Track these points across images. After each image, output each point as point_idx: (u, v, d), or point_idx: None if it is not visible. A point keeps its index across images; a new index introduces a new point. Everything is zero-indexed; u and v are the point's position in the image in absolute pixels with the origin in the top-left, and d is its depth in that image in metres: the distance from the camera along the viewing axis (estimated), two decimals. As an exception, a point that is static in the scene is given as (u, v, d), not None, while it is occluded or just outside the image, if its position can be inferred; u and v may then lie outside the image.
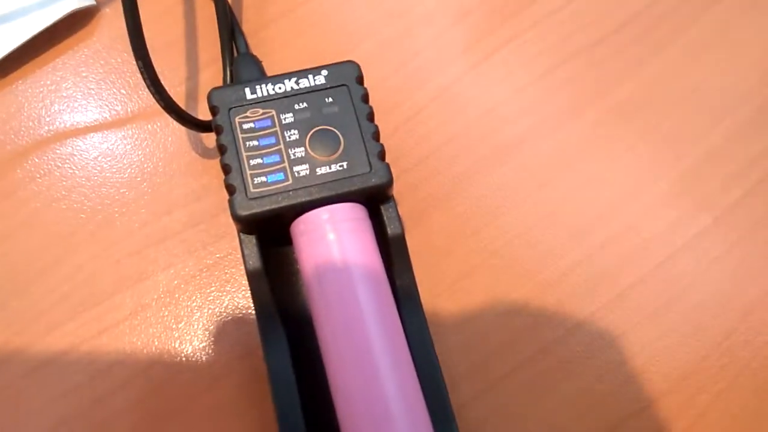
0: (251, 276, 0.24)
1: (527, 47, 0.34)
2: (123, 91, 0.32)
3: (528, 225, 0.30)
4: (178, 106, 0.26)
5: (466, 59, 0.33)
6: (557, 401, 0.28)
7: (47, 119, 0.31)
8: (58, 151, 0.31)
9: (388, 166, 0.24)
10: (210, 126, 0.26)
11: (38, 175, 0.30)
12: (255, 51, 0.32)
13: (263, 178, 0.23)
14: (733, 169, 0.32)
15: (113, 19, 0.33)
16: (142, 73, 0.24)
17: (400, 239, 0.25)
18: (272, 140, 0.24)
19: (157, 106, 0.26)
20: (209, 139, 0.31)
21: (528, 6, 0.34)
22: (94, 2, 0.33)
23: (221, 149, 0.24)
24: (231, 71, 0.29)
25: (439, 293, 0.29)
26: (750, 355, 0.29)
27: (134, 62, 0.24)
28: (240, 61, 0.28)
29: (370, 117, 0.24)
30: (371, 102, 0.31)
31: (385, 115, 0.32)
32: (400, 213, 0.30)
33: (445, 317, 0.29)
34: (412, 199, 0.31)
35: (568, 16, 0.34)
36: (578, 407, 0.28)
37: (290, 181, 0.23)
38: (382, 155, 0.24)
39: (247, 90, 0.24)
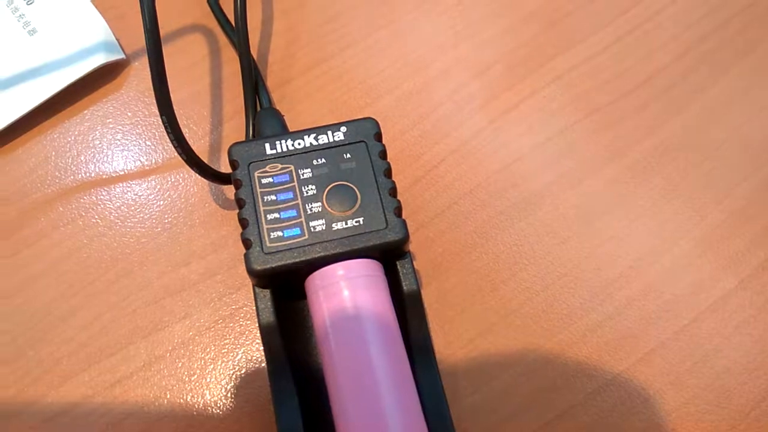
0: (264, 330, 0.24)
1: (546, 103, 0.34)
2: (148, 142, 0.33)
3: (547, 283, 0.30)
4: (199, 159, 0.26)
5: (485, 114, 0.33)
6: (577, 468, 0.27)
7: (73, 168, 0.32)
8: (82, 201, 0.31)
9: (404, 222, 0.24)
10: (230, 179, 0.26)
11: (62, 224, 0.31)
12: (278, 104, 0.33)
13: (280, 233, 0.23)
14: (757, 229, 0.31)
15: (141, 72, 0.34)
16: (165, 128, 0.24)
17: (416, 295, 0.25)
18: (290, 195, 0.24)
19: (180, 158, 0.26)
20: (229, 190, 0.31)
21: (547, 62, 0.35)
22: (124, 56, 0.34)
23: (239, 203, 0.24)
24: (253, 125, 0.29)
25: (455, 351, 0.29)
26: (780, 424, 0.28)
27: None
28: (262, 115, 0.29)
29: (388, 173, 0.24)
30: (390, 154, 0.31)
31: (404, 168, 0.32)
32: (416, 266, 0.30)
33: (460, 377, 0.28)
34: (430, 253, 0.30)
35: (588, 72, 0.34)
36: (599, 475, 0.27)
37: (306, 236, 0.23)
38: (398, 211, 0.24)
39: (267, 145, 0.24)
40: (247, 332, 0.29)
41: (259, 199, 0.24)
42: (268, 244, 0.23)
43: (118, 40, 0.34)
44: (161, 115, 0.24)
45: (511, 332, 0.29)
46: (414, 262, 0.30)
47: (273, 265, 0.23)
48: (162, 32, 0.34)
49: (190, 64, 0.34)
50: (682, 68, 0.35)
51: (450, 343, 0.29)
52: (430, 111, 0.34)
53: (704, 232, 0.31)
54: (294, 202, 0.24)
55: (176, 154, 0.26)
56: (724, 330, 0.29)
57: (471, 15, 0.36)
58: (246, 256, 0.23)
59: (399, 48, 0.35)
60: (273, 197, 0.24)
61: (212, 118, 0.33)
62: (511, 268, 0.30)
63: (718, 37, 0.36)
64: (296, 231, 0.23)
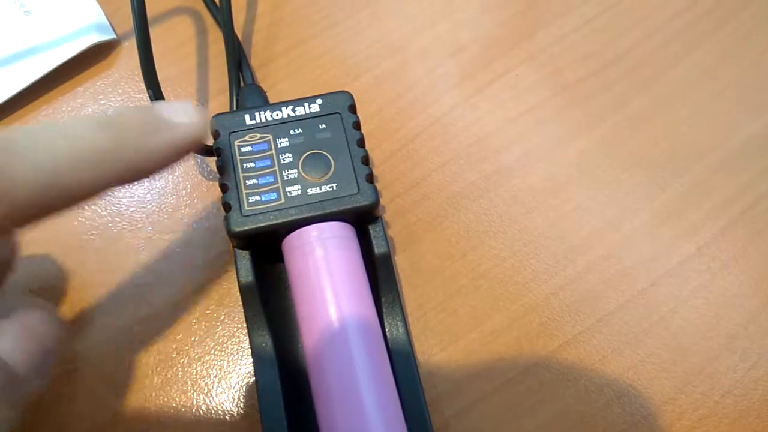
0: (244, 289, 0.26)
1: (518, 81, 0.35)
2: (138, 117, 0.34)
3: (514, 249, 0.32)
4: None
5: (460, 91, 0.35)
6: (537, 422, 0.29)
7: (67, 142, 0.34)
8: (75, 172, 0.33)
9: (375, 188, 0.26)
10: (212, 150, 0.28)
11: (56, 194, 0.32)
12: (262, 82, 0.35)
13: (258, 197, 0.25)
14: (716, 200, 0.33)
15: (131, 51, 0.36)
16: (151, 100, 0.26)
17: (386, 257, 0.26)
18: (268, 162, 0.25)
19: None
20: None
21: (520, 42, 0.36)
22: (115, 36, 0.35)
23: (220, 170, 0.25)
24: (237, 100, 0.31)
25: (426, 312, 0.30)
26: (732, 382, 0.29)
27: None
28: (245, 91, 0.31)
29: (360, 143, 0.26)
30: (368, 130, 0.32)
31: (381, 143, 0.34)
32: (391, 235, 0.31)
33: (430, 336, 0.30)
34: (404, 221, 0.32)
35: (558, 52, 0.36)
36: (558, 429, 0.28)
37: (283, 201, 0.25)
38: (369, 178, 0.26)
39: (247, 116, 0.26)
40: (229, 294, 0.30)
41: (239, 166, 0.25)
42: (246, 208, 0.25)
43: (109, 20, 0.35)
44: (147, 90, 0.25)
45: (478, 295, 0.31)
46: (389, 231, 0.32)
47: (251, 227, 0.25)
48: (150, 13, 0.35)
49: (179, 44, 0.36)
50: (650, 48, 0.36)
51: (421, 305, 0.31)
52: (407, 89, 0.35)
53: (664, 203, 0.33)
54: (271, 169, 0.25)
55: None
56: (680, 294, 0.31)
57: (447, -3, 0.38)
58: (226, 218, 0.25)
59: (378, 29, 0.37)
60: (252, 164, 0.25)
61: (200, 95, 0.35)
62: (480, 236, 0.32)
63: (685, 18, 0.37)
64: (273, 195, 0.25)
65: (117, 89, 0.35)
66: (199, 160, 0.33)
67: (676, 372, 0.30)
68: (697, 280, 0.31)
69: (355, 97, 0.27)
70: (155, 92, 0.26)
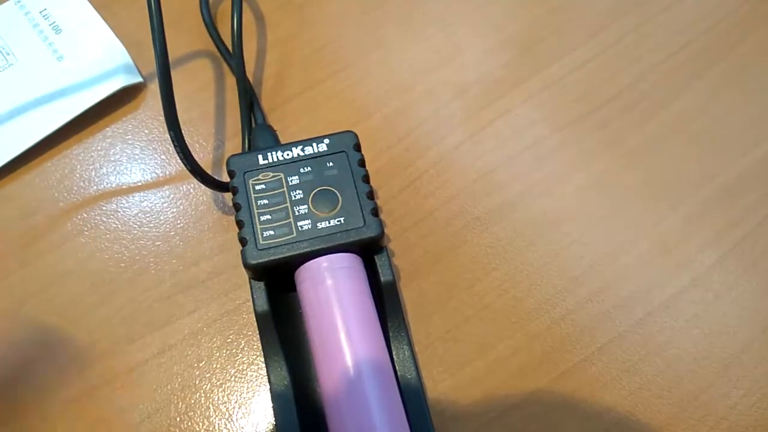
0: (259, 318, 0.28)
1: (519, 120, 0.37)
2: (162, 156, 0.37)
3: (516, 281, 0.33)
4: (201, 169, 0.30)
5: (464, 130, 0.37)
6: (539, 445, 0.30)
7: (96, 180, 0.36)
8: (104, 208, 0.35)
9: (380, 220, 0.27)
10: (228, 186, 0.30)
11: (86, 229, 0.35)
12: (276, 123, 0.37)
13: (271, 232, 0.27)
14: (710, 233, 0.34)
15: (157, 93, 0.38)
16: (173, 142, 0.28)
17: (392, 285, 0.28)
18: (280, 199, 0.28)
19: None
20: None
21: (521, 83, 0.38)
22: (142, 79, 0.38)
23: (236, 207, 0.28)
24: (249, 140, 0.33)
25: (433, 342, 0.32)
26: (726, 408, 0.31)
27: None
28: (257, 130, 0.33)
29: (365, 179, 0.28)
30: (377, 167, 0.35)
31: (390, 179, 0.36)
32: (399, 266, 0.33)
33: (437, 363, 0.31)
34: (412, 254, 0.34)
35: (557, 92, 0.38)
36: (559, 452, 0.30)
37: (294, 234, 0.27)
38: (375, 211, 0.28)
39: (260, 156, 0.28)
40: (249, 324, 0.32)
41: (253, 203, 0.27)
42: (261, 242, 0.27)
43: (136, 64, 0.38)
44: (169, 131, 0.28)
45: (483, 325, 0.32)
46: (397, 262, 0.33)
47: (265, 260, 0.27)
48: (172, 59, 0.38)
49: (199, 88, 0.38)
50: (644, 88, 0.38)
51: (429, 335, 0.32)
52: (415, 127, 0.37)
53: (660, 236, 0.34)
54: (283, 205, 0.27)
55: (186, 166, 0.30)
56: (675, 324, 0.32)
57: (453, 40, 0.40)
58: (242, 252, 0.27)
59: (387, 71, 0.39)
60: (265, 201, 0.27)
61: (217, 135, 0.37)
62: (484, 268, 0.34)
63: (676, 59, 0.39)
64: (286, 230, 0.27)
65: (143, 129, 0.37)
66: (220, 197, 0.35)
67: (671, 399, 0.31)
68: (691, 311, 0.32)
69: (365, 136, 0.29)
70: (175, 133, 0.29)
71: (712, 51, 0.39)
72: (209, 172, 0.35)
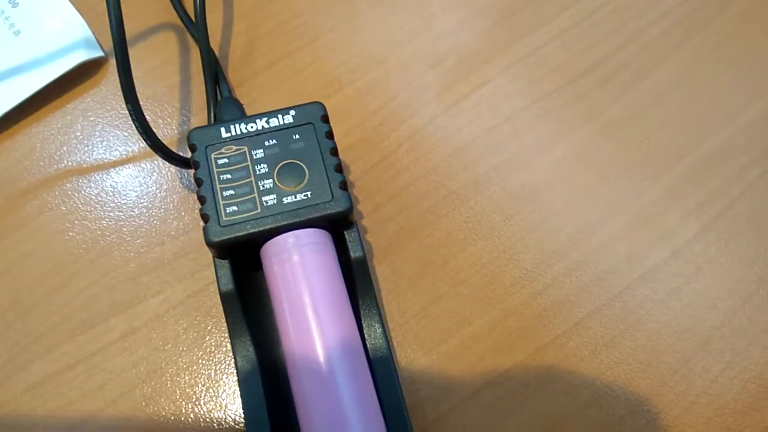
0: (224, 297, 0.27)
1: (495, 91, 0.36)
2: (125, 134, 0.35)
3: (493, 256, 0.32)
4: (163, 144, 0.29)
5: (440, 102, 0.36)
6: (517, 424, 0.29)
7: (57, 158, 0.35)
8: (65, 188, 0.34)
9: (348, 194, 0.26)
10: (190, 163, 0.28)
11: (46, 209, 0.33)
12: (244, 97, 0.36)
13: (235, 208, 0.26)
14: (691, 204, 0.33)
15: (119, 69, 0.37)
16: (131, 114, 0.27)
17: (362, 262, 0.27)
18: (244, 173, 0.26)
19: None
20: (200, 176, 0.34)
21: (497, 54, 0.37)
22: (103, 54, 0.36)
23: (198, 182, 0.26)
24: (214, 114, 0.32)
25: (408, 319, 0.31)
26: (707, 381, 0.30)
27: None
28: (222, 104, 0.32)
29: (333, 152, 0.27)
30: (350, 142, 0.34)
31: (363, 154, 0.35)
32: (373, 244, 0.32)
33: (412, 341, 0.31)
34: (386, 231, 0.33)
35: (534, 63, 0.37)
36: (537, 430, 0.29)
37: (259, 210, 0.26)
38: (343, 185, 0.26)
39: (223, 129, 0.27)
40: (216, 305, 0.31)
41: (216, 178, 0.26)
42: (224, 218, 0.26)
43: (96, 38, 0.37)
44: (126, 104, 0.26)
45: (459, 301, 0.32)
46: (371, 240, 0.32)
47: (229, 237, 0.25)
48: (136, 32, 0.37)
49: (163, 62, 0.37)
50: (623, 58, 0.37)
51: (403, 312, 0.31)
52: (388, 101, 0.36)
53: (640, 208, 0.33)
54: (247, 180, 0.26)
55: (149, 143, 0.29)
56: (655, 297, 0.32)
57: (428, 9, 0.39)
58: (204, 229, 0.26)
59: (359, 42, 0.38)
60: (228, 176, 0.26)
61: (183, 110, 0.36)
62: (460, 243, 0.33)
63: (656, 28, 0.38)
64: (250, 205, 0.26)
65: (105, 105, 0.36)
66: (186, 174, 0.34)
67: (652, 373, 0.30)
68: (672, 284, 0.32)
69: (336, 110, 0.28)
70: (134, 107, 0.27)
71: (692, 21, 0.38)
72: (174, 149, 0.34)
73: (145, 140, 0.28)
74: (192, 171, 0.33)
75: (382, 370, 0.27)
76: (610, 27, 0.38)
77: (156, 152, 0.29)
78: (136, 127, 0.27)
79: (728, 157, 0.35)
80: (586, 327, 0.31)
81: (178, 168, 0.34)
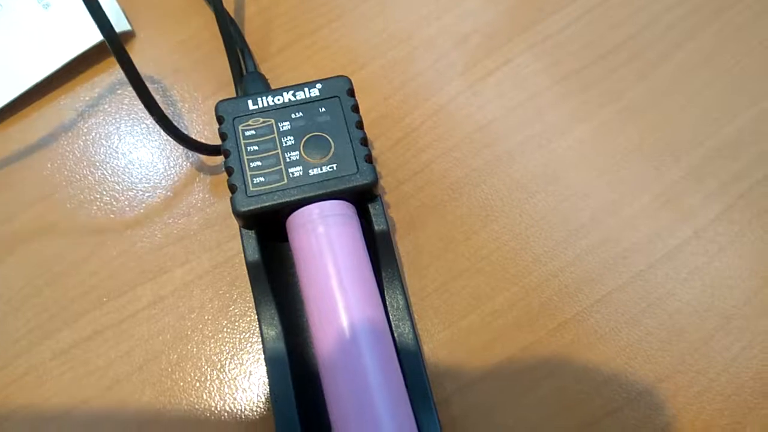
0: (250, 267, 0.27)
1: (520, 70, 0.36)
2: (152, 106, 0.36)
3: (515, 232, 0.33)
4: (186, 137, 0.30)
5: (463, 80, 0.36)
6: (536, 398, 0.29)
7: (84, 130, 0.35)
8: (92, 159, 0.34)
9: (373, 167, 0.27)
10: (212, 150, 0.29)
11: (75, 179, 0.34)
12: (269, 73, 0.36)
13: (262, 179, 0.26)
14: (713, 185, 0.33)
15: (145, 43, 0.37)
16: (151, 113, 0.27)
17: (386, 234, 0.27)
18: (270, 145, 0.27)
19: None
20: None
21: (522, 32, 0.37)
22: (130, 28, 0.37)
23: (225, 154, 0.27)
24: (241, 89, 0.32)
25: (429, 294, 0.31)
26: (727, 360, 0.30)
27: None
28: (248, 78, 0.32)
29: (359, 125, 0.27)
30: (373, 118, 0.34)
31: (386, 130, 0.35)
32: (395, 219, 0.32)
33: (433, 316, 0.31)
34: (408, 206, 0.33)
35: (559, 42, 0.37)
36: (555, 405, 0.29)
37: (285, 181, 0.26)
38: (368, 158, 0.27)
39: (250, 102, 0.27)
40: (241, 276, 0.32)
41: (243, 149, 0.27)
42: (251, 189, 0.26)
43: (124, 12, 0.37)
44: (147, 109, 0.27)
45: (481, 277, 0.32)
46: (393, 215, 0.33)
47: (255, 207, 0.26)
48: (162, 6, 0.37)
49: (189, 36, 0.37)
50: (647, 38, 0.37)
51: (424, 287, 0.32)
52: (412, 78, 0.36)
53: (663, 188, 0.33)
54: (274, 151, 0.27)
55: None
56: (677, 276, 0.32)
57: (453, -12, 0.39)
58: (232, 199, 0.26)
59: (384, 19, 0.38)
60: (255, 147, 0.27)
61: (210, 85, 0.36)
62: (483, 220, 0.33)
63: (681, 8, 0.38)
64: (276, 177, 0.26)
65: (133, 80, 0.36)
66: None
67: (672, 351, 0.30)
68: (694, 263, 0.32)
69: (360, 87, 0.28)
70: (151, 108, 0.28)
71: (717, 2, 0.38)
72: (201, 123, 0.35)
73: (173, 138, 0.29)
74: (214, 158, 0.34)
75: (404, 342, 0.27)
76: (635, 6, 0.38)
77: (179, 143, 0.29)
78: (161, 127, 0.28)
79: (751, 139, 0.34)
80: (606, 305, 0.31)
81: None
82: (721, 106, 0.35)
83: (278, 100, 0.27)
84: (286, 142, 0.27)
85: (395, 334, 0.27)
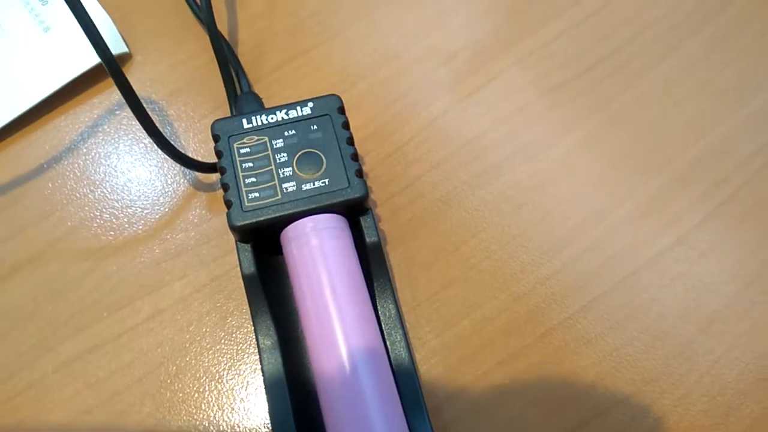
0: (247, 280, 0.28)
1: (507, 84, 0.37)
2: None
3: (503, 242, 0.34)
4: (186, 157, 0.31)
5: (452, 95, 0.37)
6: (525, 402, 0.30)
7: (84, 150, 0.36)
8: (92, 178, 0.35)
9: (364, 181, 0.28)
10: (206, 167, 0.30)
11: (75, 198, 0.35)
12: (263, 92, 0.37)
13: (256, 194, 0.27)
14: (696, 193, 0.34)
15: (143, 64, 0.38)
16: (148, 133, 0.28)
17: (377, 246, 0.28)
18: (265, 162, 0.28)
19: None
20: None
21: (508, 48, 0.38)
22: (128, 50, 0.38)
23: (221, 171, 0.28)
24: (236, 108, 0.33)
25: (420, 303, 0.32)
26: (710, 362, 0.31)
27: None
28: (242, 98, 0.33)
29: (350, 141, 0.28)
30: (364, 134, 0.35)
31: (377, 146, 0.36)
32: (386, 232, 0.33)
33: (424, 324, 0.32)
34: (399, 220, 0.34)
35: (544, 56, 0.38)
36: (544, 408, 0.30)
37: (279, 196, 0.27)
38: (359, 173, 0.28)
39: (244, 120, 0.28)
40: (238, 289, 0.33)
41: (238, 166, 0.28)
42: (246, 204, 0.27)
43: (122, 35, 0.38)
44: (148, 133, 0.28)
45: (470, 286, 0.33)
46: (384, 227, 0.34)
47: (251, 221, 0.27)
48: (159, 28, 0.38)
49: (188, 57, 0.38)
50: (631, 50, 0.38)
51: (415, 297, 0.32)
52: (402, 95, 0.37)
53: (646, 196, 0.35)
54: (268, 168, 0.28)
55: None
56: (660, 281, 0.33)
57: (440, 6, 0.40)
58: (228, 214, 0.27)
59: (375, 39, 0.39)
60: (250, 164, 0.28)
61: (207, 105, 0.37)
62: (471, 231, 0.34)
63: (665, 21, 0.39)
64: (270, 192, 0.27)
65: (130, 100, 0.37)
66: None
67: (656, 354, 0.31)
68: (676, 269, 0.33)
69: (351, 104, 0.29)
70: (150, 131, 0.29)
71: (699, 14, 0.39)
72: (198, 141, 0.36)
73: (170, 156, 0.30)
74: (210, 175, 0.35)
75: (397, 349, 0.28)
76: (619, 20, 0.39)
77: (177, 162, 0.31)
78: (157, 144, 0.29)
79: (733, 146, 0.35)
80: (592, 311, 0.32)
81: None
82: (703, 114, 0.36)
83: (272, 118, 0.28)
84: (279, 159, 0.28)
85: (387, 343, 0.28)
